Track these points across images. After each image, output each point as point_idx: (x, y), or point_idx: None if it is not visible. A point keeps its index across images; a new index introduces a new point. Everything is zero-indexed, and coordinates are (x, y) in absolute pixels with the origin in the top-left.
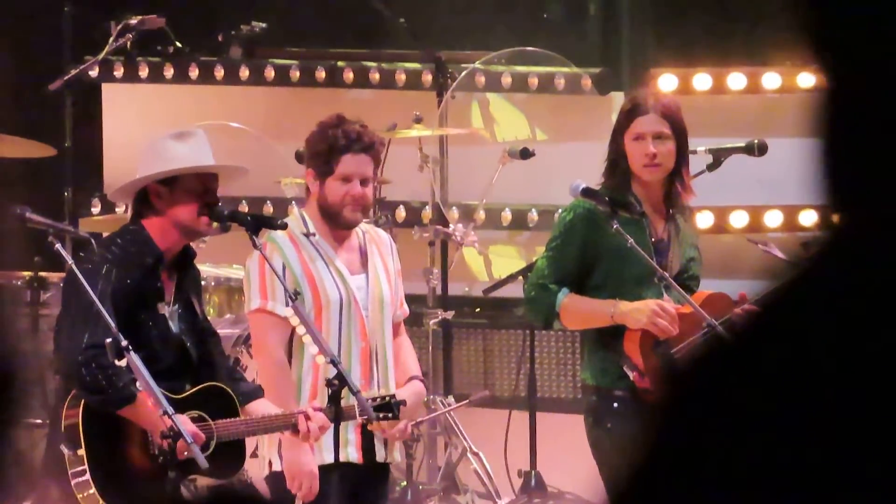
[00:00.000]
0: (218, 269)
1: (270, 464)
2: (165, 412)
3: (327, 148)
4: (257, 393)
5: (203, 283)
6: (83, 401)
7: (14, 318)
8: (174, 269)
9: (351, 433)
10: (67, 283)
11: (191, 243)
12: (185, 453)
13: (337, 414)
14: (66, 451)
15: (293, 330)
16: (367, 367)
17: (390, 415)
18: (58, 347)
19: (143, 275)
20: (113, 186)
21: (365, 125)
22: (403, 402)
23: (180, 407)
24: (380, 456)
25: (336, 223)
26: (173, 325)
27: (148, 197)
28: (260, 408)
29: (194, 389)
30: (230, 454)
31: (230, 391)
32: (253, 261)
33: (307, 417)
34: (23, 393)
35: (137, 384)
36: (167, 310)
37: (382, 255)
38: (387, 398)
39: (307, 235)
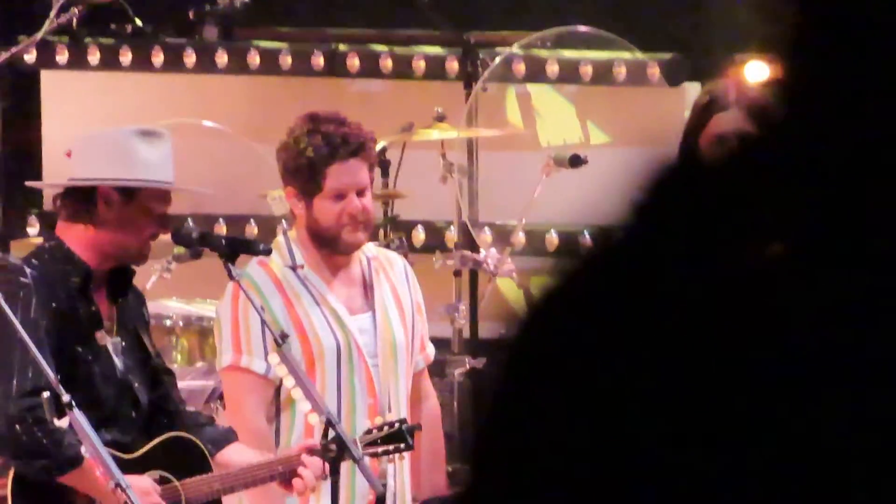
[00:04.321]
0: (188, 306)
1: None
2: (118, 484)
3: (307, 161)
4: (229, 436)
5: (169, 322)
6: (12, 470)
7: None
8: (112, 291)
9: None
10: None
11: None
12: None
13: (334, 489)
14: None
15: (277, 388)
16: None
17: (402, 445)
18: None
19: (71, 297)
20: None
21: (345, 119)
22: (418, 427)
23: (136, 467)
24: None
25: (334, 248)
26: (118, 361)
27: (93, 201)
28: (235, 455)
29: (152, 444)
30: None
31: (198, 441)
32: (224, 304)
33: (300, 463)
34: None
35: (83, 448)
36: (108, 340)
37: (394, 287)
38: (395, 425)
39: (293, 268)
